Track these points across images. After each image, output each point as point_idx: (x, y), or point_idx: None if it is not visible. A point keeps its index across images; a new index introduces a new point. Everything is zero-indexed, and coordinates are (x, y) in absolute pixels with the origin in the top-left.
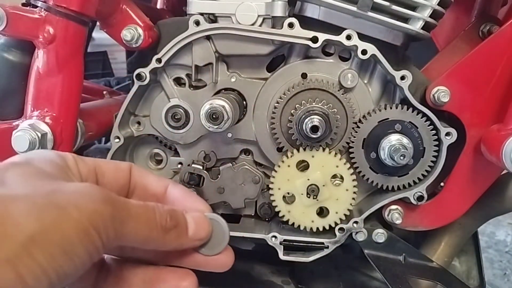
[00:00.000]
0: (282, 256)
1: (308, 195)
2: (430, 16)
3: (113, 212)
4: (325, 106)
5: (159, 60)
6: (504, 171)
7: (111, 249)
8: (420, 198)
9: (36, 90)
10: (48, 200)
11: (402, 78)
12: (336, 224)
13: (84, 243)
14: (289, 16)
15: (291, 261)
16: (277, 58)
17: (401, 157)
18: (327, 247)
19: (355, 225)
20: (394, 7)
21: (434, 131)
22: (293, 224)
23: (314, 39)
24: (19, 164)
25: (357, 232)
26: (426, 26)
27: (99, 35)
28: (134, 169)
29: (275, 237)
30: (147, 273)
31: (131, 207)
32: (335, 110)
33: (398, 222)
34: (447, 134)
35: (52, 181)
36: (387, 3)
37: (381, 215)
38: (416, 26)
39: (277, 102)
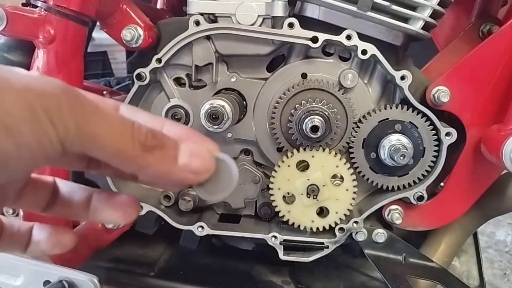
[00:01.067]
0: (282, 256)
1: (308, 195)
2: (430, 16)
3: (74, 102)
4: (325, 106)
5: (159, 60)
6: (504, 171)
7: (78, 158)
8: (420, 198)
9: None
10: None
11: (402, 78)
12: (336, 224)
13: (29, 123)
14: (289, 16)
15: (291, 261)
16: (277, 58)
17: (401, 157)
18: (327, 247)
19: (355, 225)
20: (394, 7)
21: (434, 131)
22: (293, 224)
23: (314, 39)
24: None
25: (357, 232)
26: (426, 26)
27: (99, 35)
28: (123, 108)
29: (275, 237)
30: (99, 197)
31: (100, 108)
32: (335, 110)
33: (398, 222)
34: (447, 134)
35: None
36: (387, 3)
37: (381, 215)
38: (416, 26)
39: (277, 102)
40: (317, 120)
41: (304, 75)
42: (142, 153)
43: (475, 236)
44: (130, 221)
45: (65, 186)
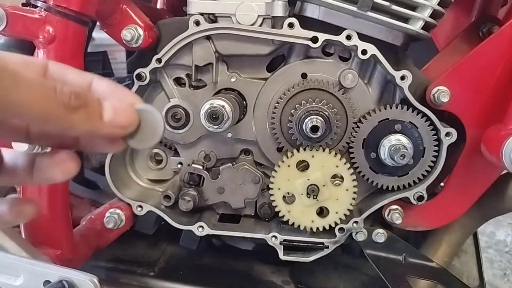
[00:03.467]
0: (282, 256)
1: (308, 195)
2: (430, 16)
3: None
4: (325, 106)
5: (159, 60)
6: (504, 171)
7: (12, 129)
8: (420, 198)
9: None
10: None
11: (402, 78)
12: (336, 224)
13: None
14: (289, 16)
15: (291, 261)
16: (277, 58)
17: (401, 157)
18: (327, 247)
19: (355, 225)
20: (394, 7)
21: (434, 131)
22: (293, 224)
23: (314, 39)
24: None
25: (357, 232)
26: (426, 26)
27: (99, 35)
28: (52, 66)
29: (275, 237)
30: (41, 158)
31: (20, 76)
32: (335, 110)
33: (398, 222)
34: (447, 134)
35: None
36: (387, 3)
37: (381, 215)
38: (416, 26)
39: (277, 102)
40: (317, 120)
41: (304, 75)
42: (67, 113)
43: (475, 236)
44: (69, 176)
45: (8, 154)
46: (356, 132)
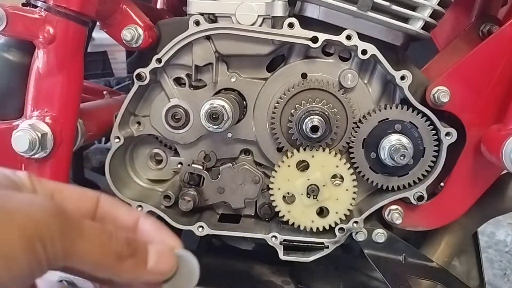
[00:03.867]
0: (282, 256)
1: (308, 195)
2: (430, 16)
3: (63, 227)
4: (325, 106)
5: (159, 60)
6: (504, 171)
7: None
8: (420, 198)
9: (36, 90)
10: None
11: (402, 78)
12: (336, 224)
13: (27, 254)
14: (289, 16)
15: (291, 261)
16: (277, 58)
17: (401, 157)
18: (327, 247)
19: (355, 225)
20: (394, 7)
21: (434, 131)
22: (293, 224)
23: (314, 39)
24: None
25: (357, 232)
26: (426, 26)
27: (99, 35)
28: (103, 199)
29: (275, 237)
30: None
31: (84, 226)
32: (335, 110)
33: (398, 222)
34: (447, 134)
35: (2, 190)
36: (387, 3)
37: (381, 215)
38: (416, 26)
39: (277, 102)
40: (317, 120)
41: (304, 75)
42: (117, 262)
43: (475, 236)
44: None
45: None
46: (356, 132)
